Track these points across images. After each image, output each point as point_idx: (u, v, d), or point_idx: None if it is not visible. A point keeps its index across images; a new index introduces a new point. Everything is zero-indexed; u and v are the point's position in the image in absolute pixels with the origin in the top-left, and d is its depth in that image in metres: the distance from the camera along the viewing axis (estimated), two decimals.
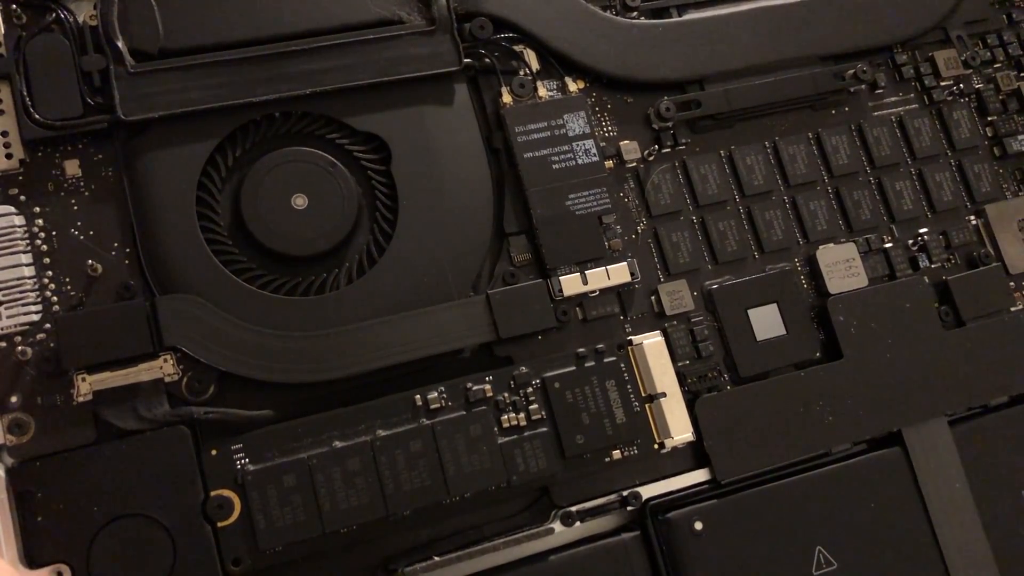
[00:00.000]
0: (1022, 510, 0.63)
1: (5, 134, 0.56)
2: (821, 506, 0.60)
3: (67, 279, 0.55)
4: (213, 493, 0.53)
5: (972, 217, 0.71)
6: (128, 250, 0.56)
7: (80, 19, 0.57)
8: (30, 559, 0.51)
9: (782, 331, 0.64)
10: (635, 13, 0.68)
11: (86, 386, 0.53)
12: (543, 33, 0.64)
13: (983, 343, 0.66)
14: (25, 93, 0.55)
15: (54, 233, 0.56)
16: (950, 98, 0.73)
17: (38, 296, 0.55)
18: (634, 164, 0.65)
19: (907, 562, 0.61)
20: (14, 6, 0.57)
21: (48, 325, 0.54)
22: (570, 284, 0.60)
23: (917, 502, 0.62)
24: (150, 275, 0.56)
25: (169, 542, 0.52)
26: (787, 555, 0.59)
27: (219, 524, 0.53)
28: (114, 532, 0.51)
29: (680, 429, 0.59)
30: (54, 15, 0.57)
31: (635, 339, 0.61)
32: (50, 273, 0.55)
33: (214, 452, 0.54)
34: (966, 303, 0.67)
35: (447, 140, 0.61)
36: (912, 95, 0.72)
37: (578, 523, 0.58)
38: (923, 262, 0.68)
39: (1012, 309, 0.68)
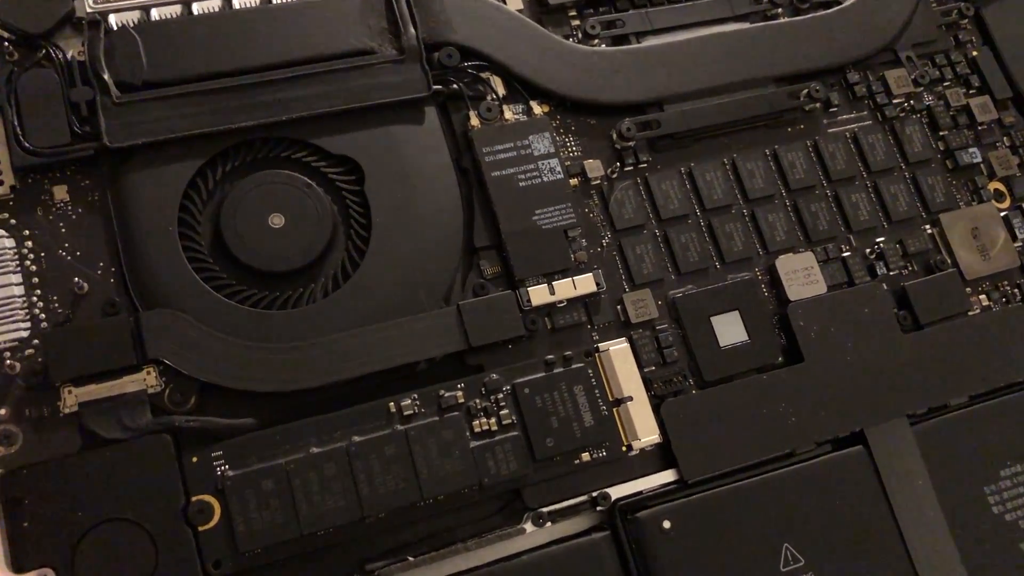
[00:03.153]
0: (984, 506, 0.65)
1: None
2: (787, 504, 0.62)
3: (55, 297, 0.58)
4: (194, 498, 0.55)
5: (927, 226, 0.73)
6: (113, 269, 0.59)
7: (69, 55, 0.61)
8: (17, 565, 0.52)
9: (744, 337, 0.66)
10: (596, 40, 0.72)
11: (72, 398, 0.55)
12: (508, 61, 0.68)
13: (941, 345, 0.68)
14: (16, 124, 0.59)
15: (43, 254, 0.58)
16: (902, 115, 0.76)
17: (27, 314, 0.57)
18: (598, 181, 0.68)
19: (873, 557, 0.62)
20: (6, 43, 0.60)
21: (36, 341, 0.57)
22: (538, 295, 0.63)
23: (881, 499, 0.63)
24: (134, 292, 0.58)
25: (151, 546, 0.53)
26: (755, 552, 0.60)
27: (200, 528, 0.54)
28: (98, 537, 0.53)
29: (647, 431, 0.61)
30: (44, 51, 0.60)
31: (602, 346, 0.63)
32: (39, 292, 0.58)
33: (195, 459, 0.55)
34: (923, 307, 0.69)
35: (418, 161, 0.64)
36: (865, 112, 0.75)
37: (549, 524, 0.59)
38: (880, 270, 0.70)
39: (968, 313, 0.70)
